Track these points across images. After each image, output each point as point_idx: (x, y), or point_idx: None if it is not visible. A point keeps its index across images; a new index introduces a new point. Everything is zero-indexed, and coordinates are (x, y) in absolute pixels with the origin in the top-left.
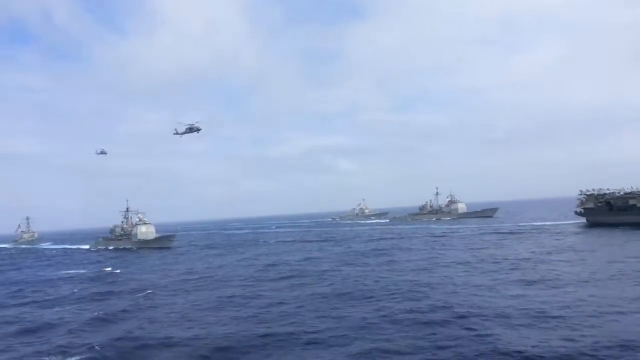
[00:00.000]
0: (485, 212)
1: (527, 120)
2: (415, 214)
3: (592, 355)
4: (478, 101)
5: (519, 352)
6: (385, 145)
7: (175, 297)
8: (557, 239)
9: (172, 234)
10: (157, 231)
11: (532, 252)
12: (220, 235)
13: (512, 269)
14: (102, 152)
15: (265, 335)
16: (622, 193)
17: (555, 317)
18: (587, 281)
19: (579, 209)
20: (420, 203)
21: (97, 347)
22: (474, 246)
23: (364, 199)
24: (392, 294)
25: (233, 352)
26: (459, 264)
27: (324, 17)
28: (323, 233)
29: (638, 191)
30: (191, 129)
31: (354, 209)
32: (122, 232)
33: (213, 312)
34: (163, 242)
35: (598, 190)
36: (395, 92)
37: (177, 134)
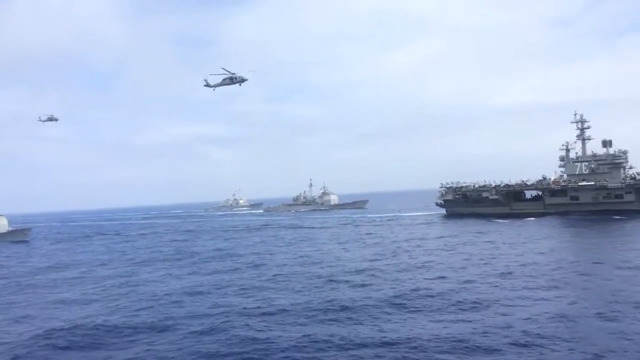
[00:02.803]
0: (357, 204)
1: (397, 114)
2: (290, 205)
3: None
4: (353, 95)
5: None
6: (261, 135)
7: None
8: (419, 228)
9: (28, 226)
10: (10, 223)
11: (392, 240)
12: (81, 227)
13: (367, 258)
14: (51, 119)
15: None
16: (476, 186)
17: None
18: (439, 266)
19: (439, 201)
20: (295, 194)
21: None
22: (340, 237)
23: (239, 189)
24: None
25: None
26: (319, 254)
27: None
28: (190, 224)
29: (490, 185)
30: (232, 79)
31: (228, 199)
32: None
33: (42, 311)
34: (16, 235)
35: (456, 184)
36: (273, 84)
37: (208, 86)
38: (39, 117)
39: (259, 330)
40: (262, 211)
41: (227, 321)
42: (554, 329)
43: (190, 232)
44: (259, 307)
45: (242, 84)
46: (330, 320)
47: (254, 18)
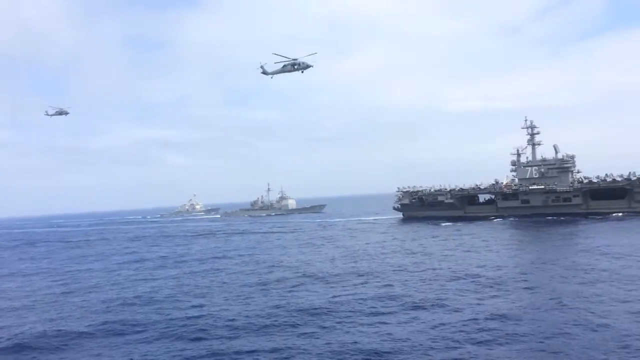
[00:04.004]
0: (314, 208)
1: (355, 119)
2: (247, 210)
3: None
4: (312, 99)
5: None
6: (220, 139)
7: None
8: (374, 232)
9: None
10: None
11: (344, 245)
12: (28, 234)
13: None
14: (61, 113)
15: None
16: (432, 190)
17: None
18: (386, 269)
19: (396, 205)
20: (253, 199)
21: None
22: (291, 242)
23: (194, 195)
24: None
25: None
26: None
27: (152, 1)
28: (143, 230)
29: (445, 189)
30: (294, 66)
31: (184, 204)
32: None
33: None
34: None
35: (413, 188)
36: (231, 86)
37: (265, 73)
38: (46, 111)
39: (181, 340)
40: (219, 216)
41: (152, 329)
42: (486, 328)
43: (142, 238)
44: (186, 315)
45: (304, 71)
46: (254, 326)
47: (209, 20)
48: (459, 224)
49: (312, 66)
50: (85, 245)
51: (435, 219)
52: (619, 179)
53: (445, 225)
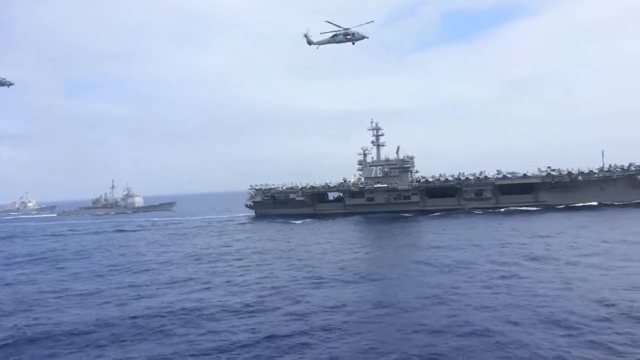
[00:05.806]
0: (163, 206)
1: (210, 117)
2: (88, 208)
3: None
4: (163, 95)
5: None
6: (56, 132)
7: None
8: (226, 230)
9: None
10: None
11: (180, 245)
12: None
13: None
14: (3, 84)
15: None
16: (284, 188)
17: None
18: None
19: (249, 202)
20: (95, 196)
21: None
22: (120, 244)
23: (26, 192)
24: None
25: None
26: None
27: None
28: None
29: (297, 187)
30: (347, 36)
31: (14, 202)
32: None
33: None
34: None
35: (265, 185)
36: (71, 76)
37: (310, 43)
38: None
39: None
40: (55, 215)
41: None
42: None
43: None
44: None
45: (354, 42)
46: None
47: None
48: (309, 220)
49: (367, 37)
50: None
51: (286, 217)
52: (450, 179)
53: (295, 223)
